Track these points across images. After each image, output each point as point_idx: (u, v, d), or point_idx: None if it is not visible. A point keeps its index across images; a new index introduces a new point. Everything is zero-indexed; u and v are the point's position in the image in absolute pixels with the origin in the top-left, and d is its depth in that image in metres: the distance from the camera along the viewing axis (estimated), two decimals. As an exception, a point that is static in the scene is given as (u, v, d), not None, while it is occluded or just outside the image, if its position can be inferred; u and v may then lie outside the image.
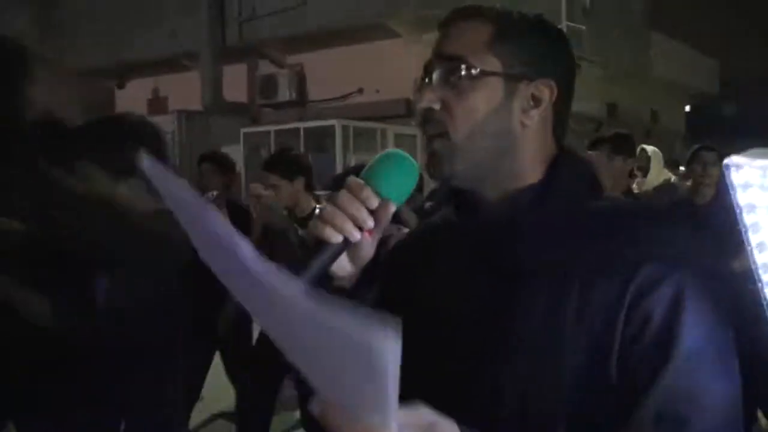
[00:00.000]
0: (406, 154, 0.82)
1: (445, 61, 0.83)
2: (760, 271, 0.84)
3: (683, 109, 19.46)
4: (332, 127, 8.51)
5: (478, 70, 0.81)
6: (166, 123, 11.20)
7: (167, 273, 1.85)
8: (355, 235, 0.77)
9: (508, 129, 0.82)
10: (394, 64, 9.34)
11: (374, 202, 0.77)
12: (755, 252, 0.83)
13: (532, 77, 0.83)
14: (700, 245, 0.78)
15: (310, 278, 0.73)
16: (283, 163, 2.99)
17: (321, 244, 0.76)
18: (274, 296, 0.53)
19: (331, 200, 0.78)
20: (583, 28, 12.24)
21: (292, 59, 10.50)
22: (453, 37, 0.84)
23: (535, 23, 0.86)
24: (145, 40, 11.19)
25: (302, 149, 8.90)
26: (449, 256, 0.87)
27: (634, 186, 4.62)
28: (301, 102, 10.28)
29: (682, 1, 17.17)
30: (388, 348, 0.48)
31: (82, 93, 13.31)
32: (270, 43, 10.17)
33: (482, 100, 0.82)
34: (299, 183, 2.92)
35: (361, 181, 0.78)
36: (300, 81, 10.28)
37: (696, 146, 3.71)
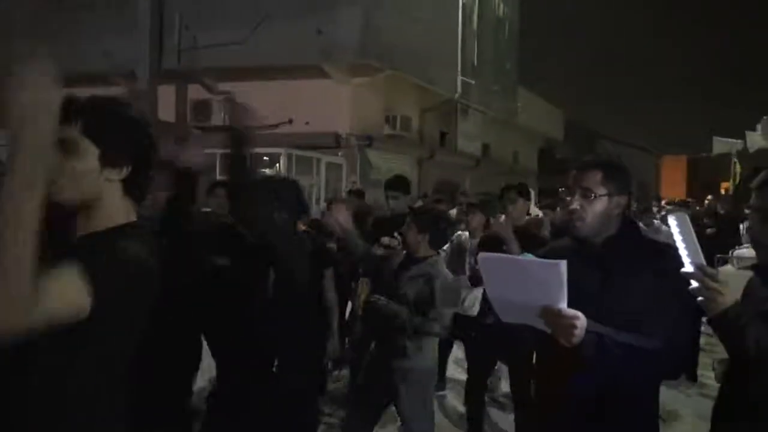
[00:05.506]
0: None
1: (582, 189, 1.92)
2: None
3: (536, 151, 22.69)
4: (278, 154, 9.63)
5: (595, 195, 1.90)
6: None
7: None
8: None
9: (610, 217, 1.93)
10: (323, 101, 10.71)
11: None
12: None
13: (620, 194, 1.93)
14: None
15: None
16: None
17: None
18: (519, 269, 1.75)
19: None
20: (473, 82, 14.45)
21: (223, 87, 11.43)
22: (583, 177, 1.92)
23: (620, 168, 1.97)
24: (79, 56, 11.56)
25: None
26: (577, 265, 1.72)
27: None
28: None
29: (543, 62, 20.20)
30: (564, 266, 1.62)
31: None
32: (206, 72, 11.05)
33: (598, 207, 1.91)
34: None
35: None
36: (232, 108, 11.25)
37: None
